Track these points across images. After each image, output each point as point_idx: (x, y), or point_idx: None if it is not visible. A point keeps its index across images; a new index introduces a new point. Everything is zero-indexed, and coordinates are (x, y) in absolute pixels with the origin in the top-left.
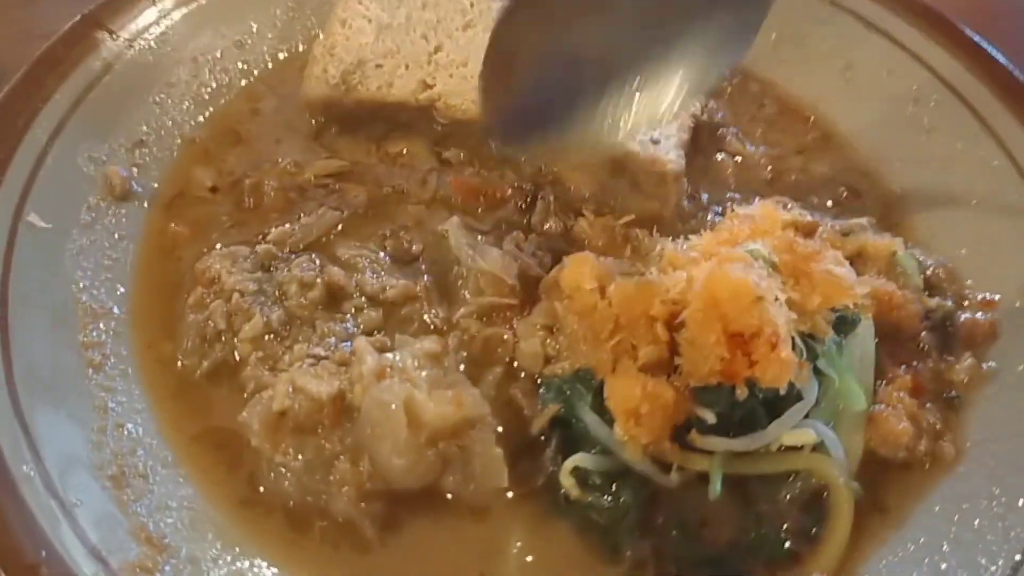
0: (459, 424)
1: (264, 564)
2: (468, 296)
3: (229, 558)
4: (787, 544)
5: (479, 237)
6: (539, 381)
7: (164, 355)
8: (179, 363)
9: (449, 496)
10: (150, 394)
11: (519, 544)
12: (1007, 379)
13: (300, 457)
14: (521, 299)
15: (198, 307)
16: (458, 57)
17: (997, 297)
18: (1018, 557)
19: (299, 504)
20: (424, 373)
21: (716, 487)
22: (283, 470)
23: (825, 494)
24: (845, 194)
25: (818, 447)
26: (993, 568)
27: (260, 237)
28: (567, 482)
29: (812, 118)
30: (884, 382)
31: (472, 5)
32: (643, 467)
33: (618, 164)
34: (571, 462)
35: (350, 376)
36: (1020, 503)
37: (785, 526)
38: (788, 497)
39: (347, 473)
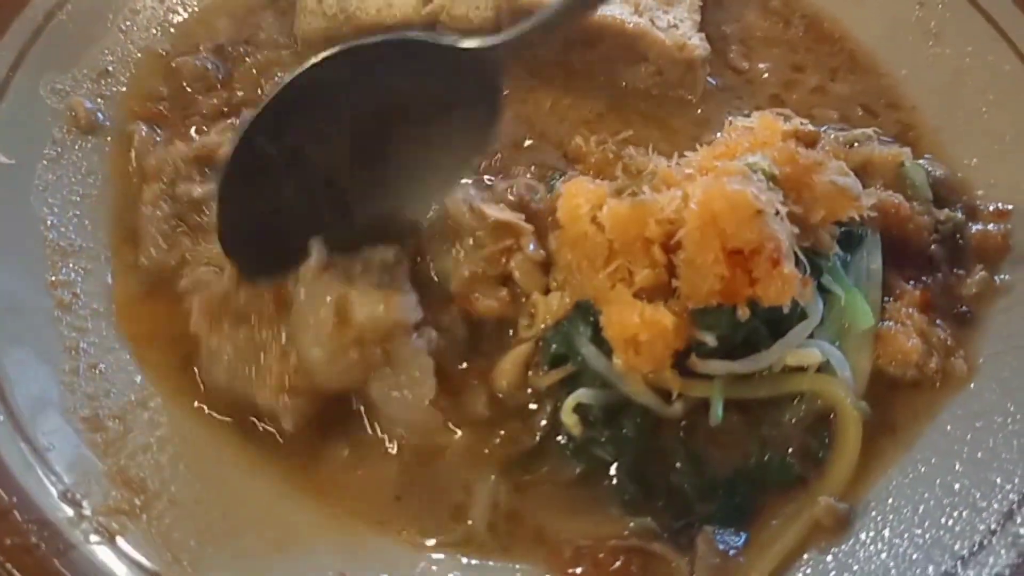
0: (389, 328)
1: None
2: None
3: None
4: (794, 468)
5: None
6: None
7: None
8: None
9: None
10: (122, 331)
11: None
12: (1020, 292)
13: (232, 344)
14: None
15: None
16: None
17: (1010, 207)
18: None
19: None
20: (369, 277)
21: (718, 412)
22: (219, 355)
23: (832, 416)
24: (860, 113)
25: (823, 367)
26: (1008, 487)
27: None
28: (569, 420)
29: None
30: (892, 298)
31: None
32: (645, 398)
33: (636, 53)
34: (573, 399)
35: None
36: None
37: (791, 450)
38: (793, 420)
39: (274, 365)
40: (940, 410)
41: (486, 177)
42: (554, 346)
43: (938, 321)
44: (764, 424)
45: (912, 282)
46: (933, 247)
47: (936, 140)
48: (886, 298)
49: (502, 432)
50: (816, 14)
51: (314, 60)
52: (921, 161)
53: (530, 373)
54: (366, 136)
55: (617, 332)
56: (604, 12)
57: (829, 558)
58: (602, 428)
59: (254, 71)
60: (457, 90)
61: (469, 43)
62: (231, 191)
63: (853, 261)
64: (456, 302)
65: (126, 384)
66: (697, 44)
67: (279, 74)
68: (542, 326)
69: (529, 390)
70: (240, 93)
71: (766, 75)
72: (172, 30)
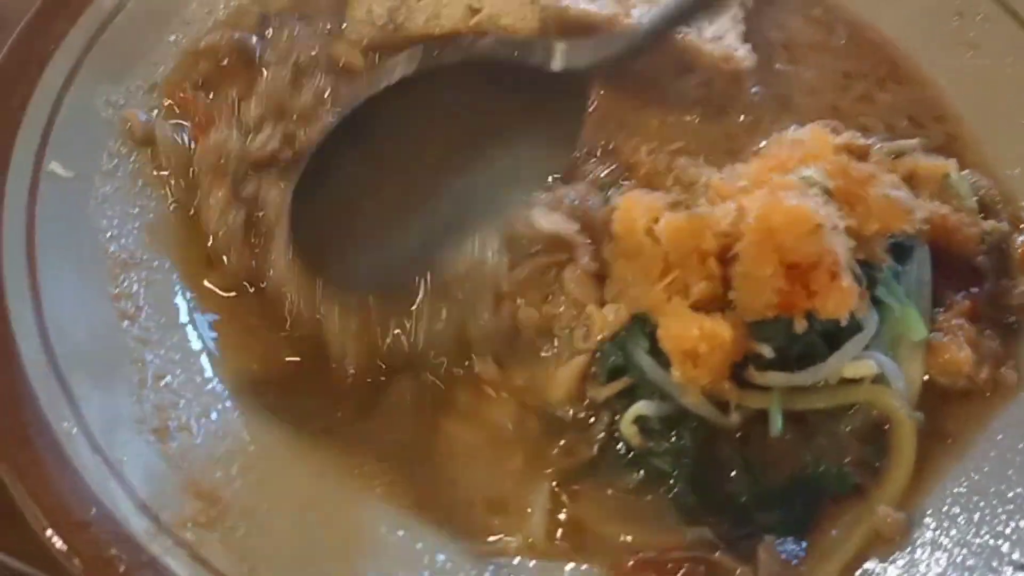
0: None
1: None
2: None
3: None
4: (851, 478)
5: None
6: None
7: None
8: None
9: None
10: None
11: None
12: None
13: None
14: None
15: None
16: None
17: None
18: None
19: None
20: None
21: (777, 423)
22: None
23: (886, 426)
24: (906, 124)
25: (877, 379)
26: None
27: None
28: (629, 431)
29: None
30: (942, 309)
31: None
32: (703, 409)
33: (683, 64)
34: (634, 411)
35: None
36: None
37: (847, 460)
38: (849, 429)
39: None
40: (991, 419)
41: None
42: (612, 358)
43: (987, 331)
44: (820, 435)
45: (960, 293)
46: (980, 258)
47: (979, 151)
48: (936, 309)
49: (561, 443)
50: (857, 21)
51: (396, 75)
52: (965, 172)
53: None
54: (445, 149)
55: (675, 344)
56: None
57: (888, 567)
58: (660, 439)
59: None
60: (541, 108)
61: (558, 64)
62: (305, 202)
63: (904, 273)
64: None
65: (195, 394)
66: (744, 55)
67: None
68: (598, 338)
69: (585, 402)
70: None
71: (813, 83)
72: None
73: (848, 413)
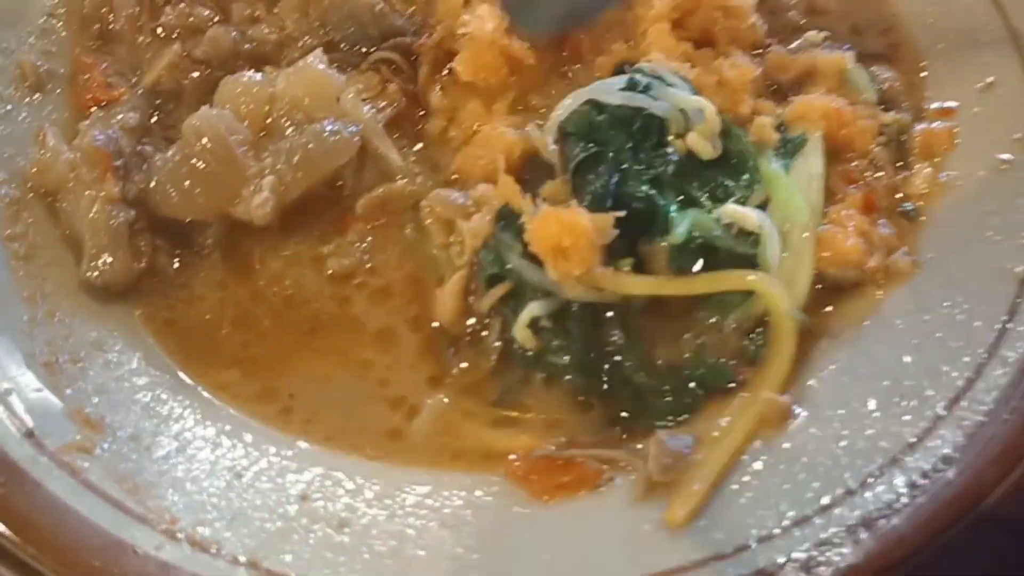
0: None
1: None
2: None
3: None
4: (730, 373)
5: None
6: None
7: None
8: None
9: None
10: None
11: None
12: (965, 188)
13: None
14: None
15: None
16: None
17: (955, 104)
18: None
19: None
20: None
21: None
22: None
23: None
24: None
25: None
26: (955, 374)
27: None
28: (523, 335)
29: None
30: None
31: None
32: (587, 296)
33: None
34: (526, 314)
35: None
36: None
37: (728, 352)
38: (733, 325)
39: None
40: (886, 306)
41: None
42: (488, 268)
43: (881, 221)
44: (701, 326)
45: (855, 185)
46: (877, 148)
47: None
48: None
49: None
50: None
51: None
52: (873, 69)
53: (471, 299)
54: None
55: (542, 243)
56: None
57: (783, 445)
58: (552, 336)
59: None
60: None
61: None
62: None
63: (794, 167)
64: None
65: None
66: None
67: None
68: (471, 251)
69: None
70: None
71: None
72: None
73: (733, 307)
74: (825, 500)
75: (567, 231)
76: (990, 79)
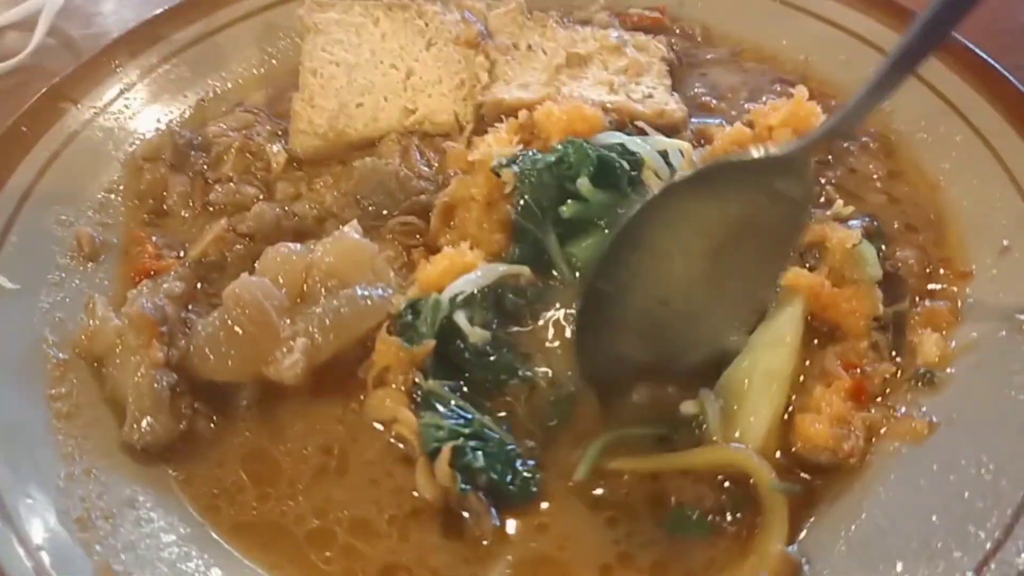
0: None
1: None
2: None
3: None
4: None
5: None
6: None
7: None
8: None
9: None
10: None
11: None
12: (989, 348)
13: None
14: None
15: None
16: (431, 77)
17: (972, 268)
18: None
19: None
20: None
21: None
22: None
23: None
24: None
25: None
26: (982, 535)
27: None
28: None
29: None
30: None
31: (427, 24)
32: None
33: (623, 126)
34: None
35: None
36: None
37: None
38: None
39: None
40: (909, 467)
41: None
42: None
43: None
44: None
45: (853, 370)
46: (874, 336)
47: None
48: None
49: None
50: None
51: (641, 205)
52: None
53: None
54: (694, 260)
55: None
56: (582, 96)
57: None
58: None
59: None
60: (771, 201)
61: (775, 152)
62: (586, 329)
63: (762, 327)
64: None
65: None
66: (675, 107)
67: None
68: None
69: None
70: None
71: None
72: None
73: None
74: None
75: None
76: (1006, 242)
